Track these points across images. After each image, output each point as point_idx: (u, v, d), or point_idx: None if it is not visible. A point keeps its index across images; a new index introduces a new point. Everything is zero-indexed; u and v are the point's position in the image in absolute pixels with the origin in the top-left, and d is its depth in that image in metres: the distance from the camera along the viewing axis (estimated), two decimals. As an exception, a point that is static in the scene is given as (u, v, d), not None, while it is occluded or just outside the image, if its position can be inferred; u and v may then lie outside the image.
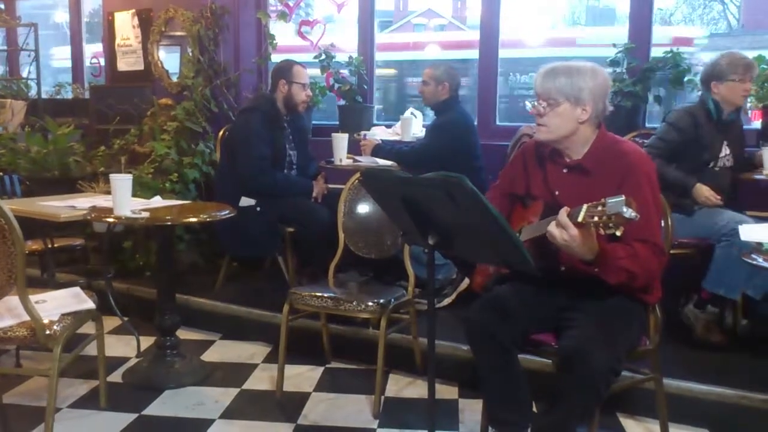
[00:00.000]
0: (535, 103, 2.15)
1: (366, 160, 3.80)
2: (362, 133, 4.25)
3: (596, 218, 1.76)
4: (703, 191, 3.11)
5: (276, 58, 4.60)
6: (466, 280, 3.51)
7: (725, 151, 3.22)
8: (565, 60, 2.19)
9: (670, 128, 3.19)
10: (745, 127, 3.59)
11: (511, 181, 2.39)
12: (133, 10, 5.21)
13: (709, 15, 17.87)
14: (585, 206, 1.80)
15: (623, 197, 1.71)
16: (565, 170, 2.19)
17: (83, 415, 2.75)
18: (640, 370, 2.41)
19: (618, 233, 1.74)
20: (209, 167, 4.49)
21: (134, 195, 2.99)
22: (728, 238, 2.96)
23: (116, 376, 3.10)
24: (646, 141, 3.35)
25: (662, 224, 2.21)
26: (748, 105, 3.69)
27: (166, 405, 2.86)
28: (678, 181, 3.13)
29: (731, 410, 2.59)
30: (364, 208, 3.17)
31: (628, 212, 1.69)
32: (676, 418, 2.51)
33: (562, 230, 1.84)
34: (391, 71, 10.08)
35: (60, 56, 7.83)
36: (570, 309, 2.09)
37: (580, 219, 1.80)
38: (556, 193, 2.18)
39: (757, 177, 3.22)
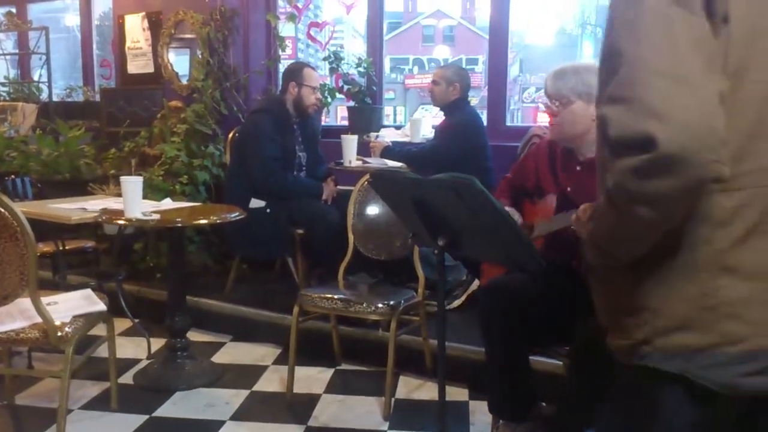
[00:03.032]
0: (548, 104, 2.15)
1: (375, 162, 3.80)
2: (372, 134, 4.25)
3: None
4: None
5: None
6: (476, 282, 3.50)
7: None
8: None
9: None
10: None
11: (522, 176, 2.41)
12: (143, 13, 5.24)
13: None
14: None
15: None
16: (578, 168, 2.19)
17: (95, 416, 2.76)
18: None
19: None
20: (219, 169, 4.50)
21: (145, 197, 3.00)
22: None
23: (127, 378, 3.11)
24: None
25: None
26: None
27: (176, 406, 2.87)
28: None
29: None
30: (373, 210, 3.17)
31: None
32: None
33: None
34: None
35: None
36: (583, 314, 2.08)
37: None
38: (569, 189, 2.18)
39: None
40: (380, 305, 2.72)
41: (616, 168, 1.00)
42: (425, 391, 3.04)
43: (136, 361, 3.33)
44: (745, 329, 1.06)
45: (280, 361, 3.36)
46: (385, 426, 2.71)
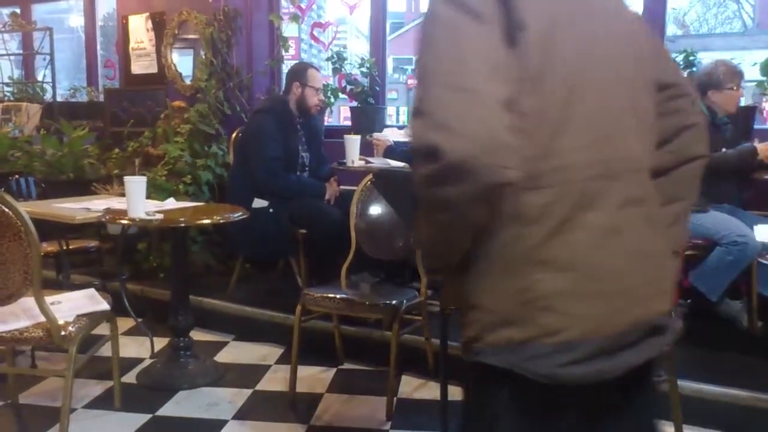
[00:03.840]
0: None
1: (378, 162, 3.81)
2: (375, 134, 4.26)
3: None
4: (763, 147, 3.17)
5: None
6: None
7: (723, 151, 3.24)
8: None
9: None
10: (758, 126, 3.58)
11: None
12: (147, 14, 5.25)
13: (723, 14, 17.70)
14: None
15: None
16: None
17: (98, 415, 2.77)
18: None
19: None
20: (222, 169, 4.51)
21: (148, 197, 3.01)
22: (727, 246, 2.98)
23: (130, 377, 3.12)
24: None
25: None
26: (763, 105, 3.68)
27: (179, 406, 2.88)
28: (738, 155, 3.17)
29: (746, 412, 2.57)
30: (376, 210, 3.17)
31: None
32: (690, 420, 2.49)
33: None
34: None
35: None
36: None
37: None
38: None
39: None
40: (382, 305, 2.73)
41: (416, 177, 1.05)
42: (427, 390, 3.04)
43: (139, 360, 3.34)
44: (561, 321, 1.10)
45: (282, 360, 3.37)
46: (388, 425, 2.71)
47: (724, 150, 3.24)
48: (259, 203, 3.66)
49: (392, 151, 3.87)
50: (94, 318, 2.54)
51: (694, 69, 3.72)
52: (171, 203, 3.27)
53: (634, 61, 1.24)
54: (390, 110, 8.22)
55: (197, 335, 3.41)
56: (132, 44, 5.39)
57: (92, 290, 2.73)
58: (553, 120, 1.11)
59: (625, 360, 1.15)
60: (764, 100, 3.65)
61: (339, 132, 4.39)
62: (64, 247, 3.60)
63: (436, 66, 1.04)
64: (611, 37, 1.21)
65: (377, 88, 4.70)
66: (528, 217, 1.10)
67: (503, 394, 1.16)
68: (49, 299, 2.37)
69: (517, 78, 1.07)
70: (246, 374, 3.21)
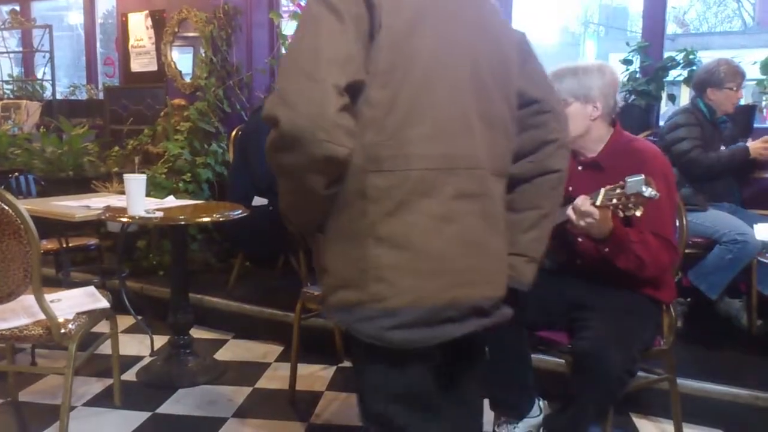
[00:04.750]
0: None
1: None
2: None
3: (615, 200, 1.78)
4: (756, 146, 3.17)
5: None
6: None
7: (722, 149, 3.25)
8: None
9: (688, 127, 3.19)
10: (758, 125, 3.58)
11: None
12: (147, 11, 5.24)
13: (723, 13, 17.69)
14: (603, 190, 1.83)
15: (642, 176, 1.72)
16: (579, 167, 2.20)
17: (98, 413, 2.77)
18: (654, 370, 2.40)
19: (638, 213, 1.76)
20: (222, 167, 4.51)
21: (148, 195, 3.01)
22: (727, 245, 2.99)
23: (130, 375, 3.12)
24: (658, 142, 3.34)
25: (676, 224, 2.21)
26: (763, 103, 3.68)
27: (179, 403, 2.88)
28: (731, 156, 3.17)
29: (745, 411, 2.57)
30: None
31: (648, 191, 1.70)
32: (690, 418, 2.50)
33: (580, 214, 1.88)
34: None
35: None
36: (583, 308, 2.09)
37: (598, 202, 1.82)
38: (570, 189, 2.18)
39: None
40: (382, 303, 2.72)
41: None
42: (427, 388, 3.03)
43: (139, 358, 3.34)
44: (388, 290, 1.25)
45: (282, 358, 3.37)
46: (387, 423, 2.71)
47: (721, 148, 3.25)
48: (259, 201, 3.66)
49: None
50: (94, 316, 2.53)
51: (695, 68, 3.72)
52: (171, 201, 3.27)
53: (497, 70, 1.35)
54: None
55: (197, 333, 3.41)
56: (132, 42, 5.39)
57: (92, 288, 2.73)
58: (402, 112, 1.24)
59: (444, 331, 1.29)
60: (764, 98, 3.65)
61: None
62: (64, 245, 3.59)
63: (296, 52, 1.22)
64: (474, 45, 1.33)
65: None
66: (371, 196, 1.24)
67: (363, 345, 1.30)
68: (48, 297, 2.37)
69: (369, 72, 1.22)
70: (246, 372, 3.21)
